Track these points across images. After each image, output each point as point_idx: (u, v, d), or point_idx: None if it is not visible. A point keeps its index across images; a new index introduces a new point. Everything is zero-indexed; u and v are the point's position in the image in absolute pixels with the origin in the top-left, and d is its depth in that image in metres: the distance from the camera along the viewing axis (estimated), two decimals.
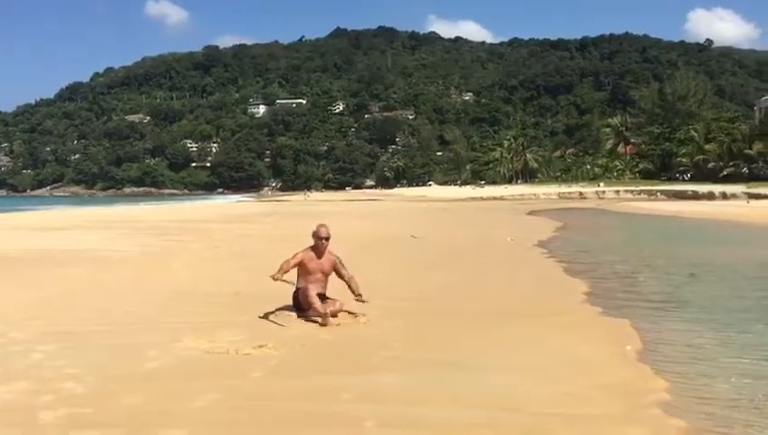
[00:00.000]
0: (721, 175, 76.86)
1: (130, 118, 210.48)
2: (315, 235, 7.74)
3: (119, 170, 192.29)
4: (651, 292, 10.22)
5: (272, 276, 7.53)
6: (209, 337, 6.71)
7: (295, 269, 7.62)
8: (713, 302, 9.28)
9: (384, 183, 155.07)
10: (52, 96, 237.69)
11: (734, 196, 54.53)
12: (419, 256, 15.38)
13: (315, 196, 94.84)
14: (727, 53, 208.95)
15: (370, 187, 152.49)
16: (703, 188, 63.27)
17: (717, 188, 60.82)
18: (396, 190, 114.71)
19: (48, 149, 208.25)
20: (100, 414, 4.53)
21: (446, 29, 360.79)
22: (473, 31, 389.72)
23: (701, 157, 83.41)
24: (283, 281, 7.54)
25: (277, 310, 7.64)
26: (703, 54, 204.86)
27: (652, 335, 7.10)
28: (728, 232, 24.46)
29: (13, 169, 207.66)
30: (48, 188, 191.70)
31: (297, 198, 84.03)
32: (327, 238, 7.76)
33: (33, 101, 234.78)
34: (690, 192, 61.43)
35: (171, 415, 4.52)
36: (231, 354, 6.12)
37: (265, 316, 7.56)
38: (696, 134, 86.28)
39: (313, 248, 7.72)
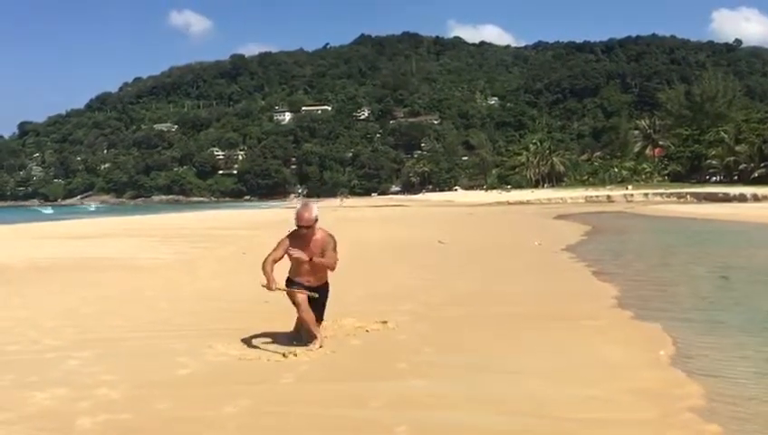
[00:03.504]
0: (752, 177, 75.68)
1: (158, 127, 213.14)
2: (296, 220, 6.70)
3: (147, 179, 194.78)
4: (683, 296, 10.08)
5: (266, 286, 6.67)
6: (240, 343, 6.78)
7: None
8: (746, 305, 9.14)
9: (410, 188, 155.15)
10: (82, 106, 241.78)
11: (765, 198, 53.62)
12: (447, 261, 15.36)
13: (350, 201, 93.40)
14: (756, 52, 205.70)
15: (396, 192, 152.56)
16: (734, 190, 62.32)
17: (749, 190, 59.84)
18: (422, 196, 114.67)
19: (78, 158, 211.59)
20: (136, 420, 4.60)
21: (467, 34, 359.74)
22: (494, 35, 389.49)
23: (731, 158, 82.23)
24: (279, 289, 6.76)
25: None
26: (731, 55, 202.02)
27: (685, 340, 7.00)
28: (761, 235, 24.06)
29: (44, 179, 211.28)
30: (79, 197, 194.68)
31: (331, 203, 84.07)
32: (308, 227, 6.61)
33: (63, 112, 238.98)
34: (721, 194, 60.48)
35: (204, 420, 4.57)
36: (262, 360, 6.18)
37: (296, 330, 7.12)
38: (726, 135, 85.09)
39: (293, 235, 6.75)
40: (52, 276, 12.54)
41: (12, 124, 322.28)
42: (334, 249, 6.76)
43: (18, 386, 5.40)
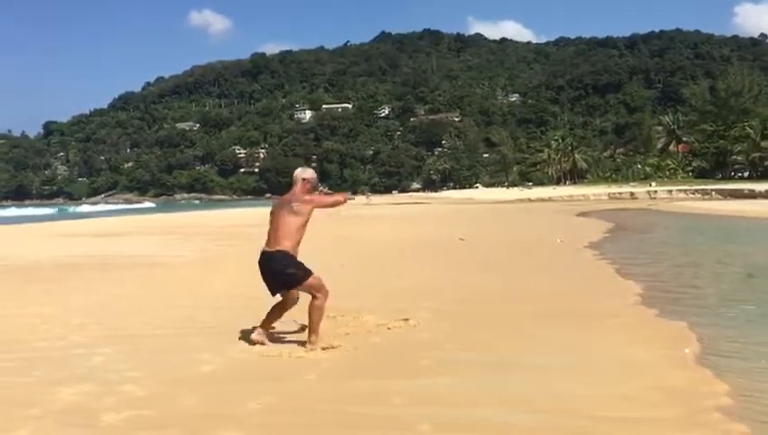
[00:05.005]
0: None
1: (181, 126, 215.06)
2: None
3: (170, 177, 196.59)
4: (708, 293, 9.95)
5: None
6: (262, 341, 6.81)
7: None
8: None
9: (430, 186, 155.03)
10: (105, 106, 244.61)
11: None
12: (467, 258, 15.30)
13: (375, 199, 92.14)
14: None
15: (417, 190, 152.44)
16: (760, 186, 61.40)
17: None
18: (443, 193, 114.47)
19: (102, 157, 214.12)
20: (160, 416, 4.63)
21: (487, 30, 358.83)
22: (514, 31, 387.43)
23: (757, 154, 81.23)
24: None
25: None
26: (756, 49, 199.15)
27: (712, 338, 6.90)
28: None
29: (69, 178, 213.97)
30: (102, 195, 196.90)
31: (357, 200, 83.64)
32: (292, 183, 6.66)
33: (87, 112, 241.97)
34: (747, 191, 59.64)
35: (228, 417, 4.59)
36: (284, 357, 6.20)
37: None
38: (751, 131, 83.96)
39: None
40: (77, 274, 12.69)
41: (37, 124, 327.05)
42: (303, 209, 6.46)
43: (45, 382, 5.46)
